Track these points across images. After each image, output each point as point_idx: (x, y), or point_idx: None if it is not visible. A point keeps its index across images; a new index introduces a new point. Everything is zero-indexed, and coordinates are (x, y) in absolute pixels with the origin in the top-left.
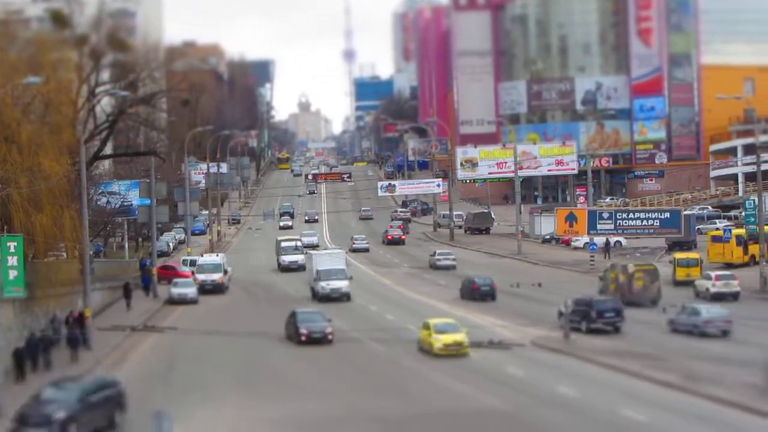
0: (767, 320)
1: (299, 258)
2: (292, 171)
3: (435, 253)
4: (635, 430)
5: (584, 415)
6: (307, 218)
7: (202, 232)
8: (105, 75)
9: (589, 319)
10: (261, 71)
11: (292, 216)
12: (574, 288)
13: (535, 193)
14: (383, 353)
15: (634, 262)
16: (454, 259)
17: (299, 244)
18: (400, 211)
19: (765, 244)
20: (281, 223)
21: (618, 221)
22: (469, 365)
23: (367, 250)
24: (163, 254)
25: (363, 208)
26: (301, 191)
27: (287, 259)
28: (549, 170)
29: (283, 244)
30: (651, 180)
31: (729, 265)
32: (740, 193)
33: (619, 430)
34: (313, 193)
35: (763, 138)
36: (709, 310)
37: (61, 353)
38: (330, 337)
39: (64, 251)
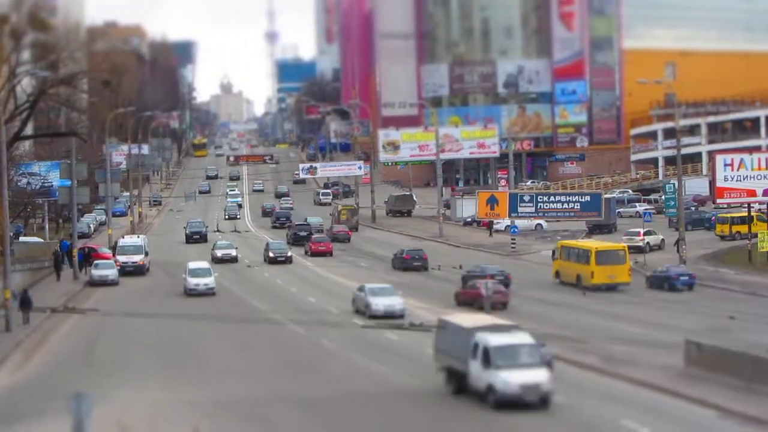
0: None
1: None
2: (217, 154)
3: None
4: (555, 411)
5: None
6: (227, 216)
7: (123, 214)
8: (26, 55)
9: None
10: (183, 52)
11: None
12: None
13: (457, 176)
14: (304, 335)
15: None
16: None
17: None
18: (323, 194)
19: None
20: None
21: (539, 204)
22: (390, 346)
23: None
24: (83, 236)
25: (279, 186)
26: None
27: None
28: (471, 153)
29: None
30: (572, 163)
31: None
32: (660, 177)
33: (539, 412)
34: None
35: (682, 122)
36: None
37: None
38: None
39: None
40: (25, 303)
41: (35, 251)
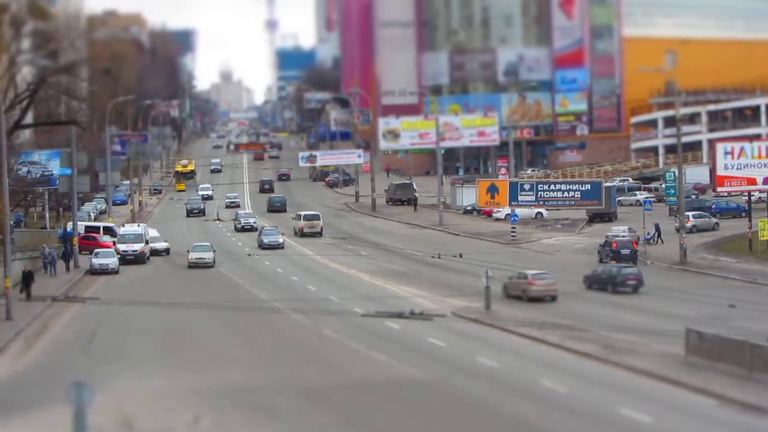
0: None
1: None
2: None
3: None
4: (554, 400)
5: (503, 386)
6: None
7: (124, 202)
8: (26, 44)
9: None
10: (183, 41)
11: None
12: (496, 259)
13: (457, 165)
14: (305, 323)
15: None
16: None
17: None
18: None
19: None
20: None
21: (539, 193)
22: (391, 335)
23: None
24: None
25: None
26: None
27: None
28: (471, 141)
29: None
30: (572, 152)
31: None
32: (661, 165)
33: (539, 400)
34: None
35: (683, 111)
36: None
37: None
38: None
39: None
40: (28, 278)
41: (36, 240)
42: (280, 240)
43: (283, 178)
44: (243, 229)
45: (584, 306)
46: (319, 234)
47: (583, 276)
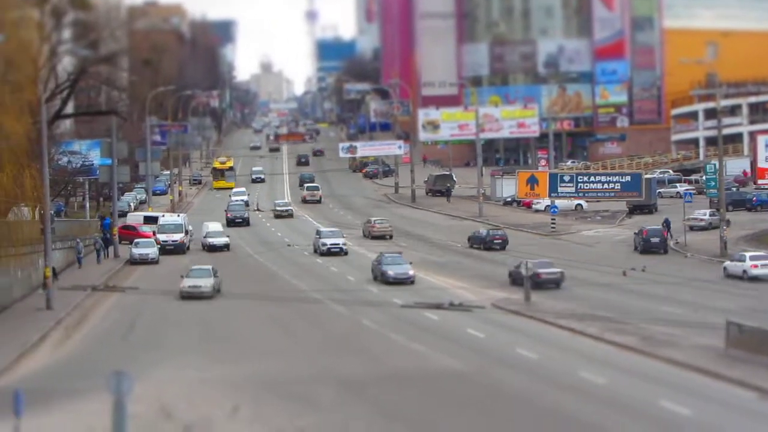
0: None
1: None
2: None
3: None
4: (593, 391)
5: (542, 377)
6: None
7: (164, 192)
8: (66, 34)
9: None
10: (223, 31)
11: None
12: (535, 250)
13: (497, 156)
14: (344, 313)
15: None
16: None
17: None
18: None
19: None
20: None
21: (579, 184)
22: (430, 326)
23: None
24: (124, 214)
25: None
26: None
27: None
28: (511, 133)
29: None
30: (612, 143)
31: None
32: (701, 158)
33: (578, 392)
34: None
35: (724, 103)
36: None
37: None
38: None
39: (25, 210)
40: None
41: (76, 230)
42: (341, 242)
43: (318, 154)
44: (280, 216)
45: (623, 297)
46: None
47: (467, 237)
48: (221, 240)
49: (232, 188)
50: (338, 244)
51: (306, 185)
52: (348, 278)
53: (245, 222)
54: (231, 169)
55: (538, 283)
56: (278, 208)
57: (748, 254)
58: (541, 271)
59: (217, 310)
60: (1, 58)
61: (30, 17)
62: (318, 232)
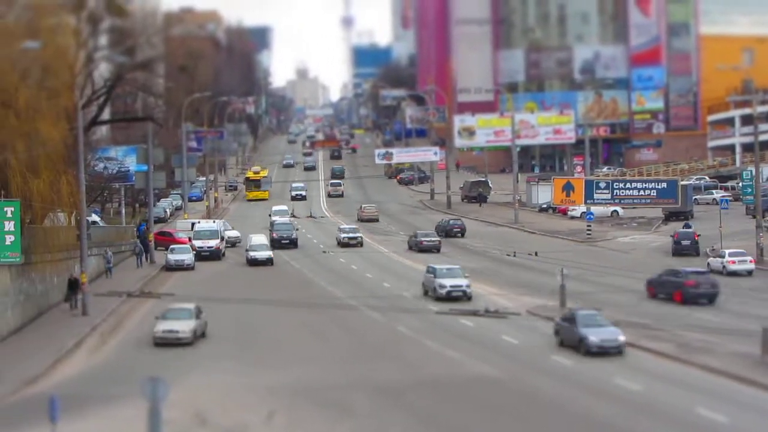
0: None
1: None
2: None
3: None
4: (628, 398)
5: (577, 384)
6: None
7: (199, 199)
8: (103, 40)
9: None
10: (259, 37)
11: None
12: (571, 257)
13: (533, 162)
14: (380, 320)
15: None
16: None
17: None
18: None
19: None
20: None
21: (615, 191)
22: (465, 332)
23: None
24: (160, 220)
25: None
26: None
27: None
28: (547, 139)
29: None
30: (648, 150)
31: None
32: (737, 164)
33: (613, 399)
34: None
35: (760, 109)
36: None
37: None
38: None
39: (61, 216)
40: (74, 286)
41: (113, 236)
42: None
43: (351, 150)
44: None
45: (660, 305)
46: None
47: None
48: (264, 254)
49: (266, 198)
50: (460, 286)
51: (330, 182)
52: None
53: (293, 243)
54: (266, 178)
55: None
56: (344, 235)
57: (727, 251)
58: None
59: (253, 315)
60: (38, 65)
61: (66, 24)
62: (431, 270)
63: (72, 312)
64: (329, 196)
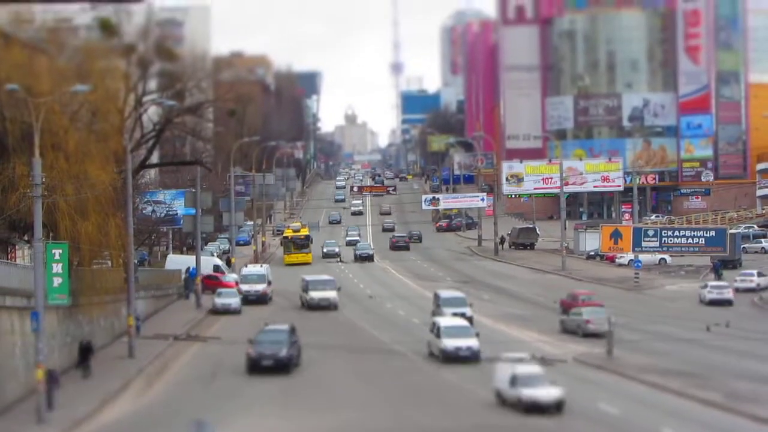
0: None
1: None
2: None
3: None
4: None
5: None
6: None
7: (247, 243)
8: (152, 84)
9: None
10: (308, 83)
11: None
12: (617, 305)
13: (581, 209)
14: (425, 366)
15: None
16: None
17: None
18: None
19: None
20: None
21: (663, 239)
22: None
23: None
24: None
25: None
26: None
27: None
28: (595, 186)
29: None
30: (697, 198)
31: None
32: None
33: None
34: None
35: None
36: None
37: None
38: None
39: (109, 259)
40: (86, 352)
41: (160, 278)
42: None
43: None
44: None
45: (709, 353)
46: None
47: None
48: (327, 295)
49: (309, 263)
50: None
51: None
52: None
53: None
54: (308, 238)
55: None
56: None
57: (709, 283)
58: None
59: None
60: (88, 108)
61: (116, 67)
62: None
63: (85, 380)
64: (384, 230)
